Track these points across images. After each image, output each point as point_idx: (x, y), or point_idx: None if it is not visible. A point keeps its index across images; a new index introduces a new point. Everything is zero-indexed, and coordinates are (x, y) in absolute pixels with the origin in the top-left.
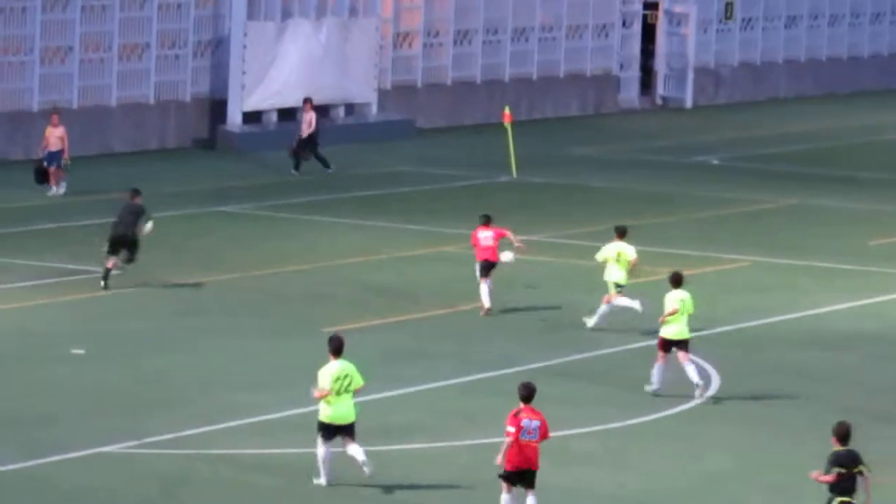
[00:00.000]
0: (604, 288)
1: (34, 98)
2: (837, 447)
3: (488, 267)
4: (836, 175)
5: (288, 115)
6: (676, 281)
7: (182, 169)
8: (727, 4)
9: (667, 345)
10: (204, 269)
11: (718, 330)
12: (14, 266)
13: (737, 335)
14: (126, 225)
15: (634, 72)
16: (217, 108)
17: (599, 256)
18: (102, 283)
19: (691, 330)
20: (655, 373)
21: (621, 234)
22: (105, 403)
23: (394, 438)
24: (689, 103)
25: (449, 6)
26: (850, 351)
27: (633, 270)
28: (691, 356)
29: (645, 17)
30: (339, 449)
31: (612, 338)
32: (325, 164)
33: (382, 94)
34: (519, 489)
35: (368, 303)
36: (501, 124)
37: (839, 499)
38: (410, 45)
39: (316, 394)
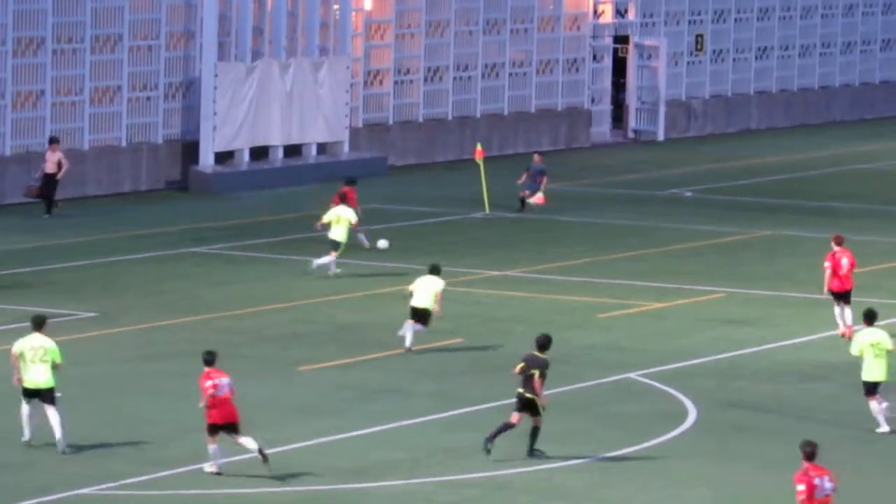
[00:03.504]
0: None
1: (6, 143)
2: (534, 352)
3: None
4: (809, 206)
5: (260, 154)
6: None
7: (155, 211)
8: (697, 37)
9: None
10: (179, 311)
11: (693, 362)
12: None
13: (712, 367)
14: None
15: (606, 106)
16: (189, 149)
17: (326, 218)
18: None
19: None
20: None
21: (342, 198)
22: (82, 446)
23: (371, 476)
24: (661, 136)
25: (419, 44)
26: (826, 381)
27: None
28: None
29: (616, 50)
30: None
31: (591, 372)
32: (49, 209)
33: (354, 132)
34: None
35: (344, 341)
36: (474, 160)
37: (520, 390)
38: (381, 83)
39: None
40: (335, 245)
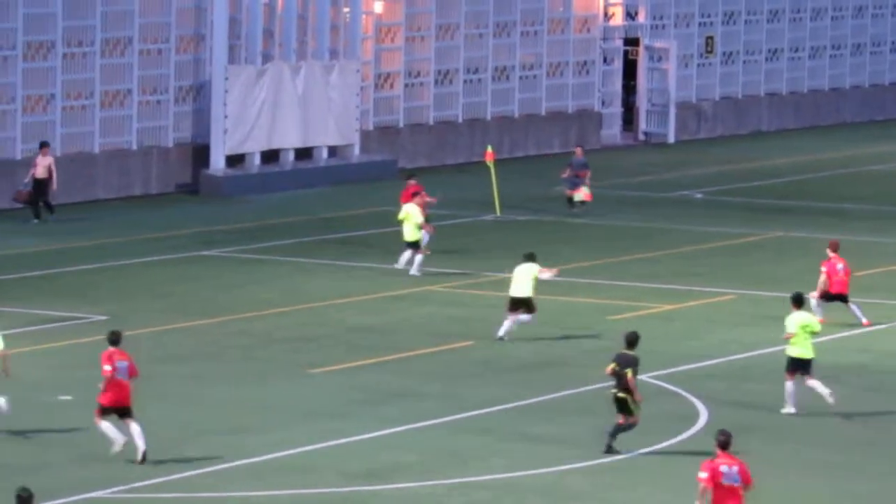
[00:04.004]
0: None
1: (17, 146)
2: (624, 350)
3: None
4: (819, 207)
5: (271, 157)
6: None
7: (166, 214)
8: (707, 39)
9: None
10: (189, 314)
11: (704, 364)
12: (1, 313)
13: (723, 368)
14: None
15: (616, 108)
16: (200, 152)
17: (400, 215)
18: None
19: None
20: None
21: (413, 194)
22: (93, 449)
23: (381, 479)
24: (671, 138)
25: (429, 46)
26: (837, 383)
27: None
28: None
29: (626, 53)
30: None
31: (599, 374)
32: (50, 210)
33: (364, 135)
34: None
35: (353, 343)
36: (484, 163)
37: (613, 390)
38: (392, 85)
39: None
40: (411, 245)
